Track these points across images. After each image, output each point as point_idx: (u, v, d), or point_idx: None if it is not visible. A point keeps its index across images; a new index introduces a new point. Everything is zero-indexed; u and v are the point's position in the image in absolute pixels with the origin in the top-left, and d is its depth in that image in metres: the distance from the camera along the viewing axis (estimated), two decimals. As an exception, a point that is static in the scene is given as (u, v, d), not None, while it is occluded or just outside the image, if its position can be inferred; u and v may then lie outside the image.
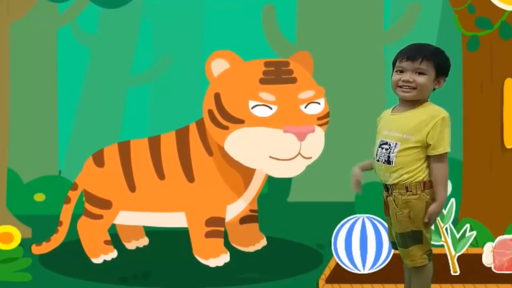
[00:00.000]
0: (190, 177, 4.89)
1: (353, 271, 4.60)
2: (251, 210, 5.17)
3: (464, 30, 5.38)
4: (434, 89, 3.57)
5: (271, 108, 4.61)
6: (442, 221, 4.60)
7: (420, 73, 3.52)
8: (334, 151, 5.55)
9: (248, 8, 8.10)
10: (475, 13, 5.30)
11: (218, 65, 4.74)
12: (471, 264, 4.66)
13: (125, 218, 5.10)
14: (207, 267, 4.90)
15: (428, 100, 3.58)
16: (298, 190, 7.42)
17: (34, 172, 7.11)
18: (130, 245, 5.41)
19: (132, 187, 4.98)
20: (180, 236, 5.08)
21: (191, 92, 7.78)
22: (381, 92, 7.29)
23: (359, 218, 4.63)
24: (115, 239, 5.24)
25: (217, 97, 4.69)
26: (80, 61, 8.10)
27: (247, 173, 4.91)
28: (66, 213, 5.13)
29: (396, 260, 4.25)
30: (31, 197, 6.75)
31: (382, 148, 3.57)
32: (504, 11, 5.22)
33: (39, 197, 6.76)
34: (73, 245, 5.14)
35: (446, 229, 4.61)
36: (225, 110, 4.65)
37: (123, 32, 8.06)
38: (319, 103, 4.72)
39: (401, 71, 3.55)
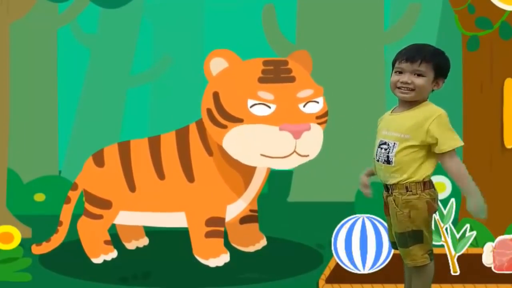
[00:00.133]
0: (190, 177, 4.89)
1: (353, 271, 4.59)
2: (251, 210, 5.17)
3: (464, 30, 5.38)
4: (432, 90, 3.57)
5: (269, 107, 4.60)
6: (442, 221, 4.59)
7: (418, 75, 3.51)
8: (334, 151, 5.56)
9: (248, 8, 8.09)
10: (475, 13, 5.30)
11: (216, 64, 4.73)
12: (471, 264, 4.65)
13: (125, 218, 5.10)
14: (207, 267, 4.90)
15: (428, 100, 3.58)
16: (298, 190, 7.42)
17: (34, 172, 7.10)
18: (130, 245, 5.40)
19: (132, 187, 4.98)
20: (180, 236, 5.07)
21: (191, 92, 7.75)
22: (381, 92, 7.29)
23: (359, 218, 4.63)
24: (115, 239, 5.23)
25: (215, 96, 4.68)
26: (80, 61, 8.10)
27: (247, 173, 4.91)
28: (66, 213, 5.13)
29: (396, 260, 4.25)
30: (31, 197, 6.75)
31: (381, 148, 3.57)
32: (504, 11, 5.22)
33: (39, 197, 6.75)
34: (73, 245, 5.13)
35: (446, 229, 4.60)
36: (224, 109, 4.64)
37: (123, 32, 8.06)
38: (317, 102, 4.71)
39: (400, 72, 3.54)
